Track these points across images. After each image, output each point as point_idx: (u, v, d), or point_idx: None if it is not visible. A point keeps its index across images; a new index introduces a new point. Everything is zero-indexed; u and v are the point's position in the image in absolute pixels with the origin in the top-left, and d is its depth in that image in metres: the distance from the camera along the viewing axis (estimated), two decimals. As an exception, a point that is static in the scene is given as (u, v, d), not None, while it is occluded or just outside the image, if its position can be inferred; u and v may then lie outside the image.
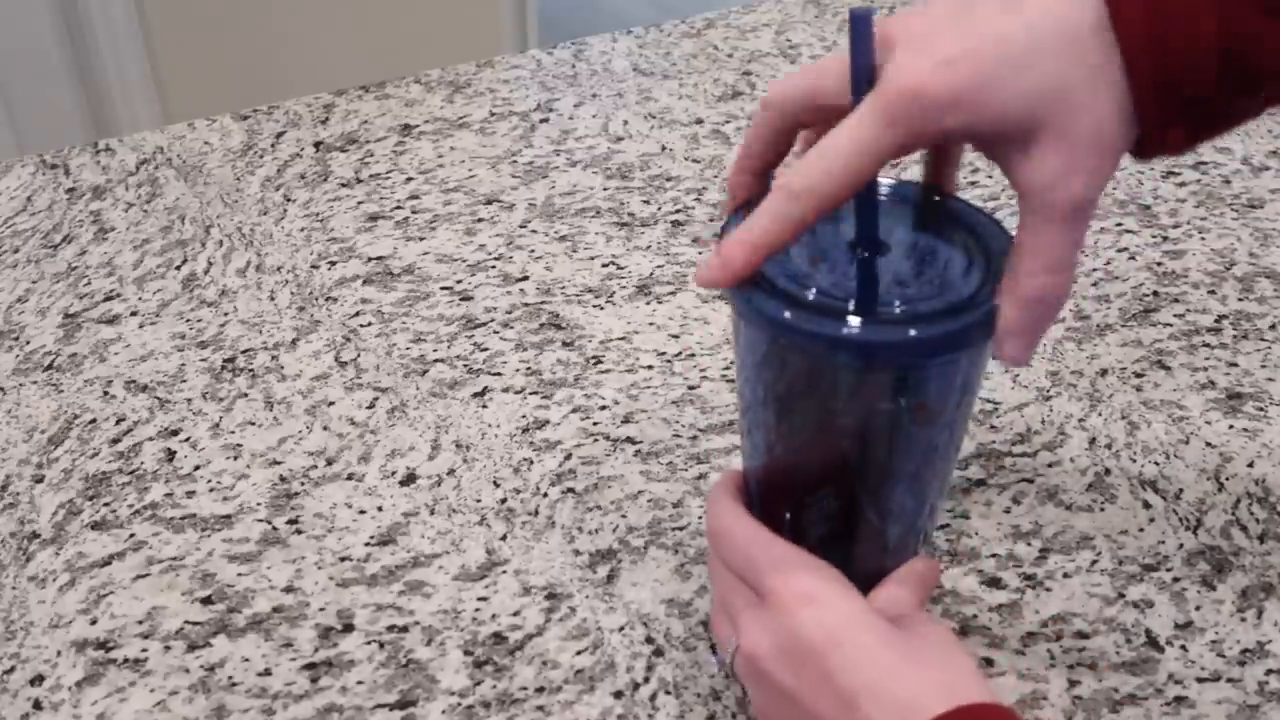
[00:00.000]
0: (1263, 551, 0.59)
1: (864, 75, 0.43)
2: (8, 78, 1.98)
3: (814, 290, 0.44)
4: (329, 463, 0.64)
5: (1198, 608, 0.56)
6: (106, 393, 0.69)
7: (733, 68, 1.00)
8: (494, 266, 0.78)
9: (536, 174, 0.87)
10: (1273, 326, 0.72)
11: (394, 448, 0.65)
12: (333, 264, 0.79)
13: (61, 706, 0.53)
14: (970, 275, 0.45)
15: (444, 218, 0.83)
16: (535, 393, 0.68)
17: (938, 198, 0.49)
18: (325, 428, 0.66)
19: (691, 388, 0.69)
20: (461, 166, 0.88)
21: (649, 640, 0.55)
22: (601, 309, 0.74)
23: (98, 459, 0.65)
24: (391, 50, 2.17)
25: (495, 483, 0.63)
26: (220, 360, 0.71)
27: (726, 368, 0.70)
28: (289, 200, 0.85)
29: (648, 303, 0.75)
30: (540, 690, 0.53)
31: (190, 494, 0.63)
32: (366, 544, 0.60)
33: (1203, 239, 0.79)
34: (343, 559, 0.59)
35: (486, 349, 0.72)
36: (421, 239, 0.81)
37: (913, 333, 0.43)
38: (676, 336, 0.72)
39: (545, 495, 0.62)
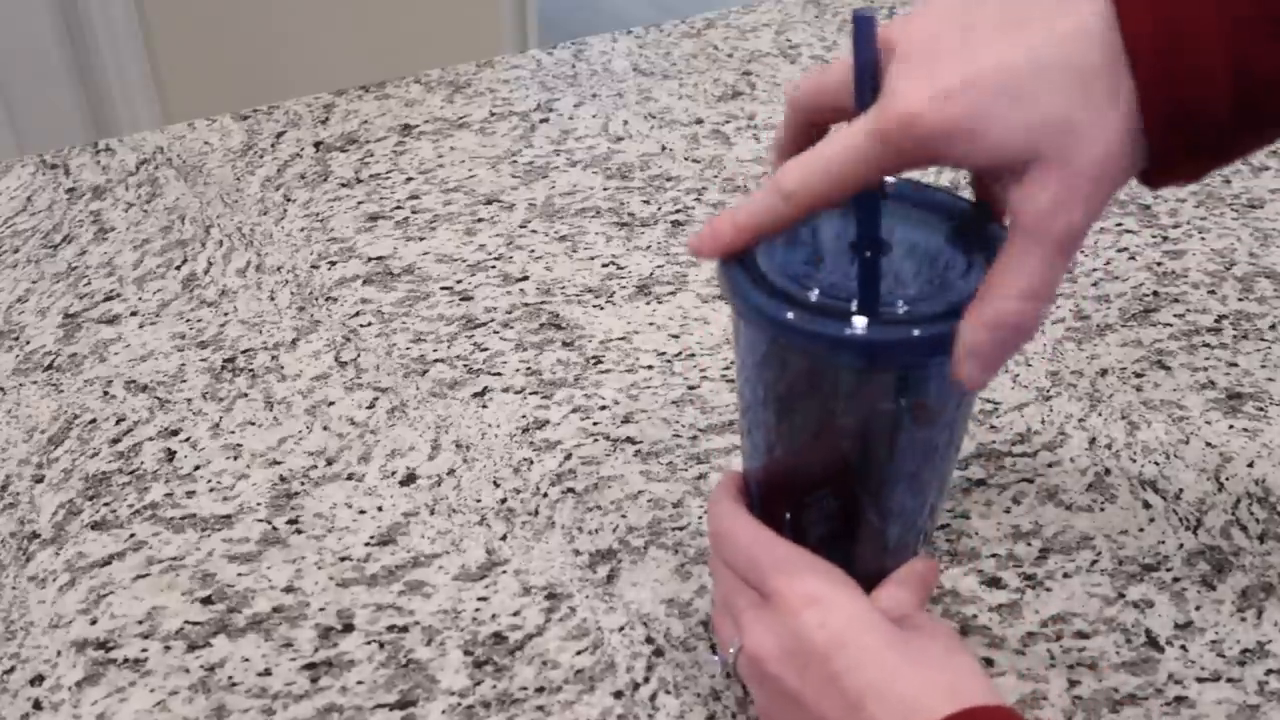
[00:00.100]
0: (1263, 551, 0.59)
1: (867, 78, 0.43)
2: (8, 78, 1.98)
3: (815, 290, 0.44)
4: (329, 463, 0.64)
5: (1198, 608, 0.56)
6: (106, 393, 0.69)
7: (733, 68, 1.00)
8: (494, 266, 0.78)
9: (536, 174, 0.87)
10: (1273, 326, 0.72)
11: (394, 448, 0.65)
12: (333, 264, 0.79)
13: (61, 706, 0.53)
14: (971, 275, 0.45)
15: (444, 218, 0.83)
16: (535, 393, 0.68)
17: (930, 195, 0.49)
18: (325, 428, 0.66)
19: (691, 388, 0.69)
20: (461, 166, 0.88)
21: (649, 640, 0.55)
22: (601, 309, 0.74)
23: (98, 459, 0.65)
24: (391, 50, 2.17)
25: (495, 483, 0.63)
26: (220, 360, 0.71)
27: (726, 368, 0.70)
28: (289, 200, 0.85)
29: (648, 303, 0.75)
30: (540, 690, 0.53)
31: (190, 494, 0.63)
32: (366, 544, 0.60)
33: (1203, 239, 0.79)
34: (343, 559, 0.59)
35: (486, 349, 0.72)
36: (421, 239, 0.81)
37: (914, 333, 0.43)
38: (676, 336, 0.72)
39: (545, 495, 0.62)
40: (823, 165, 0.42)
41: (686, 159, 0.88)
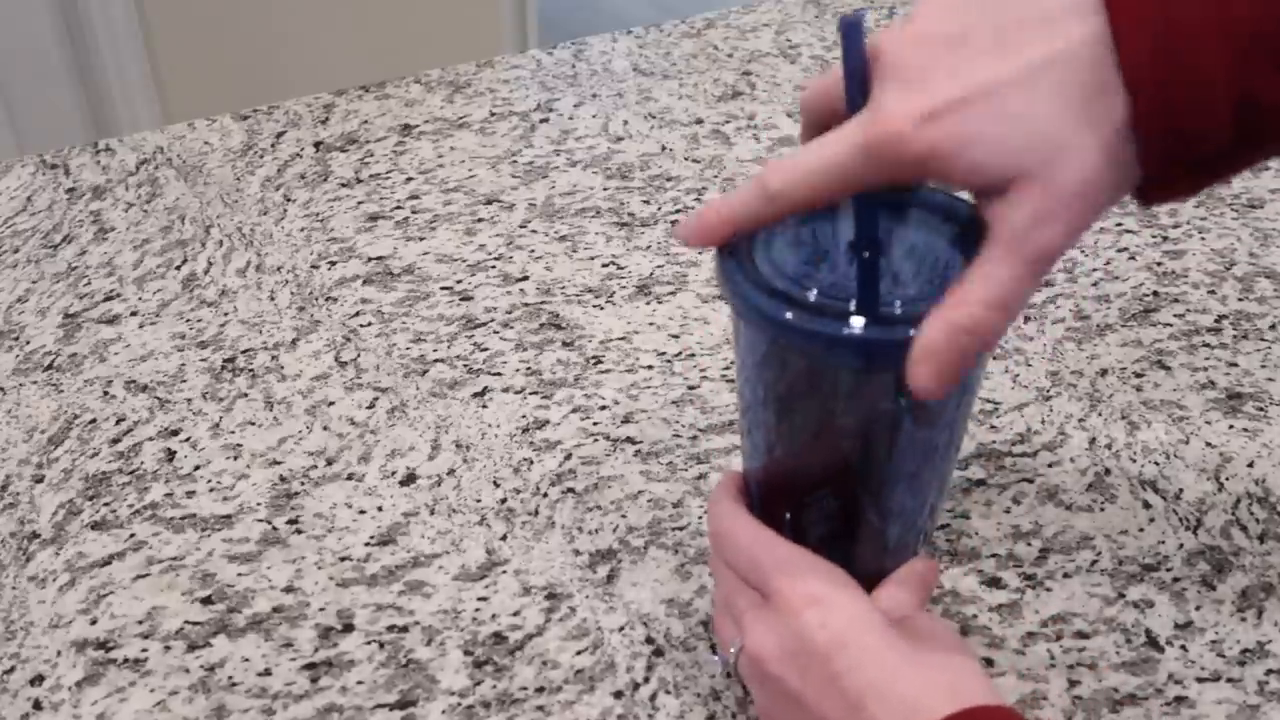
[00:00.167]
0: (1263, 551, 0.59)
1: (857, 83, 0.43)
2: (8, 78, 1.98)
3: (814, 290, 0.44)
4: (329, 463, 0.64)
5: (1198, 608, 0.56)
6: (106, 393, 0.69)
7: (733, 68, 1.00)
8: (494, 266, 0.78)
9: (536, 174, 0.87)
10: (1273, 326, 0.72)
11: (394, 448, 0.65)
12: (333, 264, 0.79)
13: (61, 706, 0.53)
14: (970, 275, 0.45)
15: (444, 218, 0.83)
16: (535, 393, 0.68)
17: (929, 195, 0.49)
18: (325, 428, 0.66)
19: (691, 388, 0.69)
20: (461, 166, 0.88)
21: (649, 640, 0.55)
22: (601, 309, 0.74)
23: (98, 459, 0.65)
24: (391, 50, 2.17)
25: (495, 483, 0.63)
26: (220, 360, 0.71)
27: (726, 368, 0.70)
28: (289, 200, 0.85)
29: (648, 303, 0.75)
30: (540, 690, 0.53)
31: (190, 494, 0.63)
32: (366, 544, 0.60)
33: (1203, 239, 0.79)
34: (343, 559, 0.59)
35: (486, 349, 0.72)
36: (421, 239, 0.81)
37: (913, 333, 0.43)
38: (676, 336, 0.72)
39: (545, 495, 0.62)
40: (807, 170, 0.43)
41: (686, 159, 0.88)
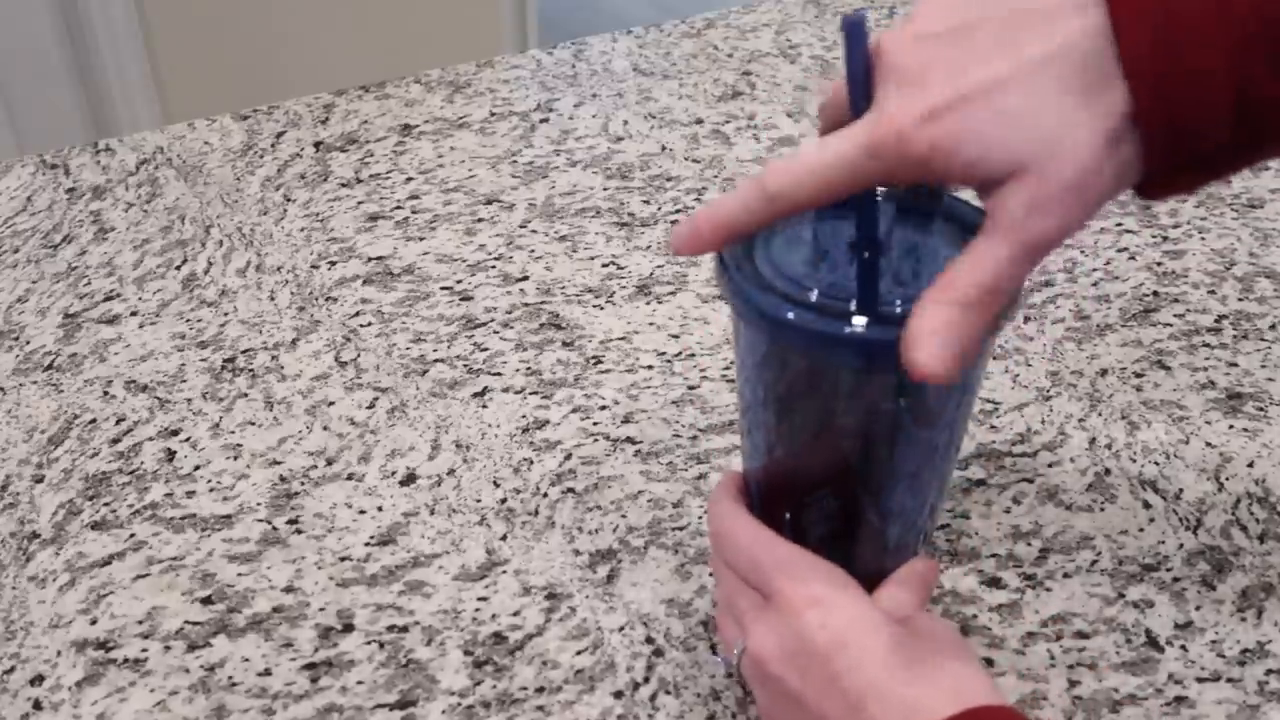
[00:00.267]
0: (1263, 551, 0.59)
1: (860, 83, 0.43)
2: (8, 78, 1.98)
3: (814, 290, 0.44)
4: (329, 463, 0.64)
5: (1198, 608, 0.56)
6: (106, 393, 0.69)
7: (733, 68, 1.00)
8: (494, 266, 0.78)
9: (536, 174, 0.87)
10: (1273, 326, 0.72)
11: (394, 448, 0.65)
12: (333, 264, 0.79)
13: (61, 706, 0.53)
14: (970, 275, 0.45)
15: (444, 218, 0.83)
16: (535, 393, 0.68)
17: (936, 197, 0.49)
18: (325, 428, 0.66)
19: (691, 388, 0.69)
20: (461, 166, 0.88)
21: (649, 640, 0.55)
22: (601, 309, 0.74)
23: (98, 459, 0.65)
24: (391, 50, 2.17)
25: (495, 483, 0.63)
26: (220, 360, 0.71)
27: (726, 368, 0.70)
28: (289, 200, 0.85)
29: (648, 303, 0.75)
30: (540, 690, 0.53)
31: (190, 494, 0.63)
32: (366, 544, 0.60)
33: (1203, 239, 0.79)
34: (343, 559, 0.59)
35: (486, 349, 0.72)
36: (421, 239, 0.81)
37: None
38: (676, 336, 0.72)
39: (545, 495, 0.62)
40: (809, 171, 0.42)
41: (686, 159, 0.88)
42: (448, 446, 0.65)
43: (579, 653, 0.54)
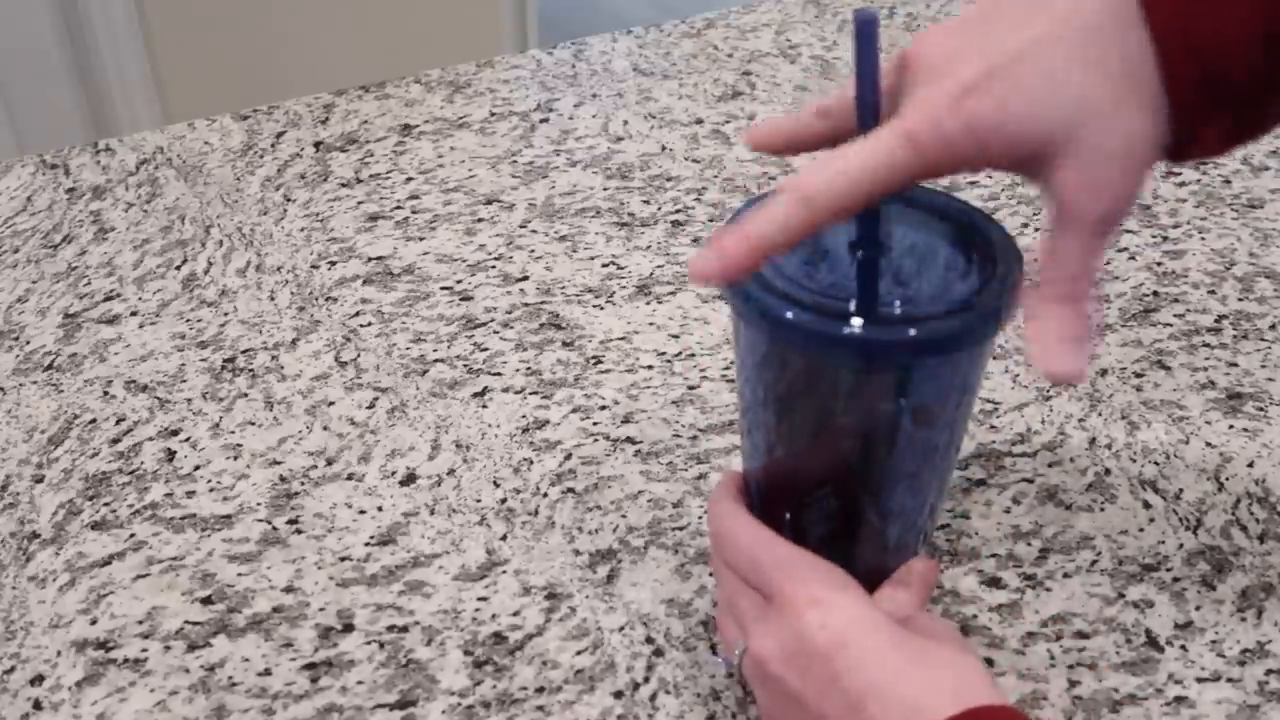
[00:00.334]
0: (1263, 551, 0.59)
1: (869, 79, 0.43)
2: (8, 78, 1.98)
3: (814, 290, 0.44)
4: (329, 463, 0.64)
5: (1198, 608, 0.56)
6: (106, 393, 0.69)
7: (733, 68, 1.00)
8: (494, 266, 0.78)
9: (536, 174, 0.87)
10: (1273, 326, 0.72)
11: (394, 448, 0.65)
12: (333, 264, 0.79)
13: (61, 706, 0.53)
14: (970, 275, 0.45)
15: (444, 218, 0.83)
16: (535, 393, 0.68)
17: (934, 197, 0.49)
18: (325, 428, 0.66)
19: (691, 388, 0.69)
20: (461, 166, 0.88)
21: (649, 640, 0.55)
22: (601, 309, 0.74)
23: (98, 459, 0.65)
24: (391, 50, 2.17)
25: (495, 483, 0.63)
26: (220, 360, 0.71)
27: (726, 368, 0.70)
28: (289, 200, 0.85)
29: (648, 303, 0.75)
30: (540, 690, 0.53)
31: (190, 494, 0.63)
32: (366, 544, 0.60)
33: (1203, 239, 0.79)
34: (343, 559, 0.59)
35: (486, 349, 0.72)
36: (421, 239, 0.81)
37: (912, 333, 0.43)
38: (676, 336, 0.72)
39: (545, 495, 0.62)
40: (847, 171, 0.41)
41: (686, 159, 0.88)
42: (448, 446, 0.65)
43: (579, 653, 0.54)
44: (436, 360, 0.71)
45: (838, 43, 1.03)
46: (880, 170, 0.41)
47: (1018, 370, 0.69)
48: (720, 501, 0.50)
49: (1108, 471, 0.63)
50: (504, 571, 0.58)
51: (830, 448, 0.48)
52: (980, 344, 0.45)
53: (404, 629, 0.56)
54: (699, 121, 0.93)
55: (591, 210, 0.83)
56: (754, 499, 0.51)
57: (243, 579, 0.58)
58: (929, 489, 0.50)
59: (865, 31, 0.42)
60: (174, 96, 2.09)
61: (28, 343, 0.73)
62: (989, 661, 0.54)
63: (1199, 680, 0.53)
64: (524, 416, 0.67)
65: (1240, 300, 0.74)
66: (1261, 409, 0.66)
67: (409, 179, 0.87)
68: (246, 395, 0.69)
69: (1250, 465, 0.63)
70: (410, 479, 0.63)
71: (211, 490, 0.63)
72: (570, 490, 0.62)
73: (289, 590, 0.57)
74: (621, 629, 0.55)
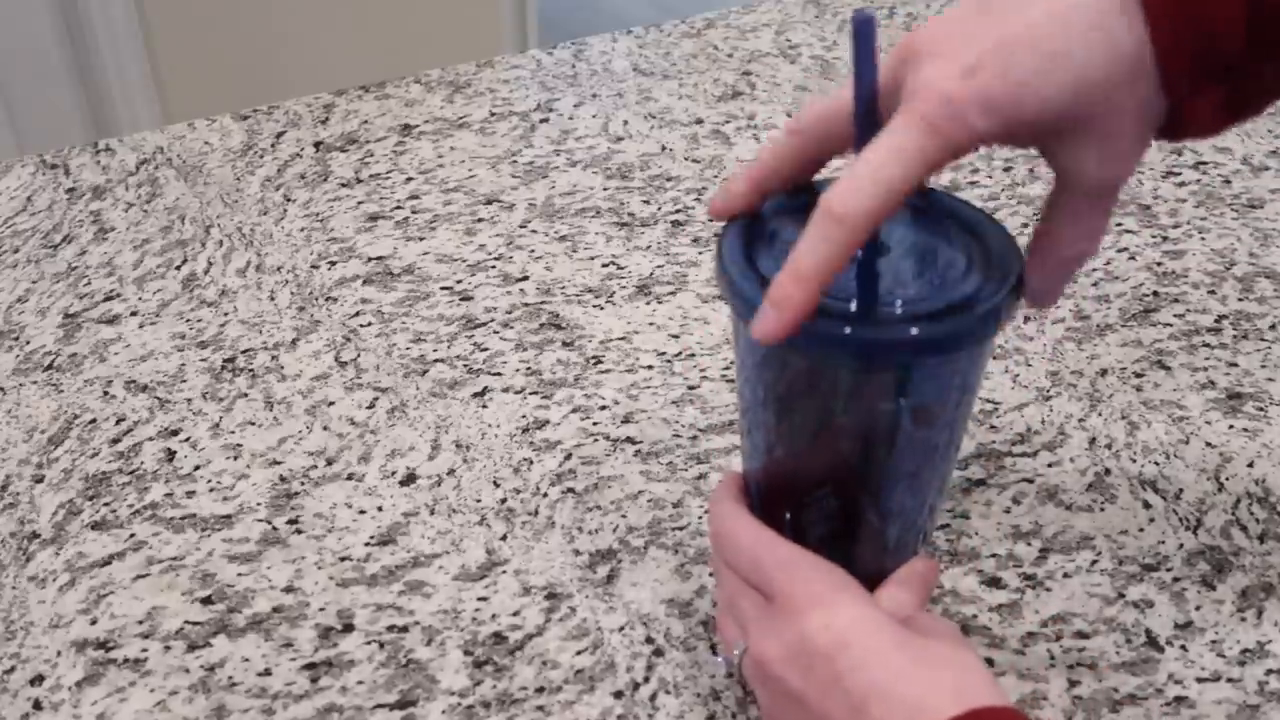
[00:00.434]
0: (1263, 551, 0.59)
1: (867, 81, 0.43)
2: (8, 78, 1.98)
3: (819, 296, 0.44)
4: (329, 463, 0.64)
5: (1198, 608, 0.56)
6: (106, 393, 0.69)
7: (733, 68, 1.00)
8: (494, 266, 0.78)
9: (536, 174, 0.87)
10: (1273, 326, 0.72)
11: (394, 448, 0.65)
12: (333, 264, 0.79)
13: (61, 706, 0.53)
14: (970, 275, 0.45)
15: (444, 218, 0.83)
16: (535, 393, 0.68)
17: (935, 198, 0.49)
18: (325, 428, 0.66)
19: (691, 388, 0.69)
20: (461, 166, 0.88)
21: (649, 640, 0.55)
22: (601, 309, 0.74)
23: (98, 459, 0.65)
24: (391, 50, 2.17)
25: (495, 483, 0.63)
26: (220, 360, 0.71)
27: (726, 368, 0.70)
28: (289, 200, 0.85)
29: (648, 303, 0.75)
30: (540, 690, 0.53)
31: (190, 494, 0.63)
32: (366, 544, 0.60)
33: (1203, 239, 0.79)
34: (343, 559, 0.59)
35: (486, 349, 0.72)
36: (421, 239, 0.81)
37: (912, 333, 0.43)
38: (676, 336, 0.72)
39: (545, 495, 0.62)
40: (870, 178, 0.41)
41: (686, 159, 0.88)
42: (448, 446, 0.65)
43: (579, 653, 0.54)
44: (436, 360, 0.71)
45: (838, 43, 1.03)
46: (903, 164, 0.41)
47: (1018, 370, 0.69)
48: (721, 502, 0.50)
49: (1108, 471, 0.63)
50: (504, 571, 0.58)
51: (830, 448, 0.48)
52: (980, 344, 0.45)
53: (404, 629, 0.56)
54: (699, 121, 0.93)
55: (591, 210, 0.83)
56: (754, 499, 0.51)
57: (243, 579, 0.58)
58: (929, 489, 0.50)
59: (863, 32, 0.42)
60: (174, 96, 2.09)
61: (28, 343, 0.73)
62: (989, 661, 0.54)
63: (1199, 680, 0.53)
64: (524, 416, 0.67)
65: (1240, 300, 0.74)
66: (1261, 409, 0.66)
67: (409, 179, 0.87)
68: (246, 395, 0.69)
69: (1250, 465, 0.63)
70: (410, 479, 0.63)
71: (211, 490, 0.63)
72: (570, 490, 0.62)
73: (289, 590, 0.58)
74: (621, 629, 0.55)
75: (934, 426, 0.47)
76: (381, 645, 0.55)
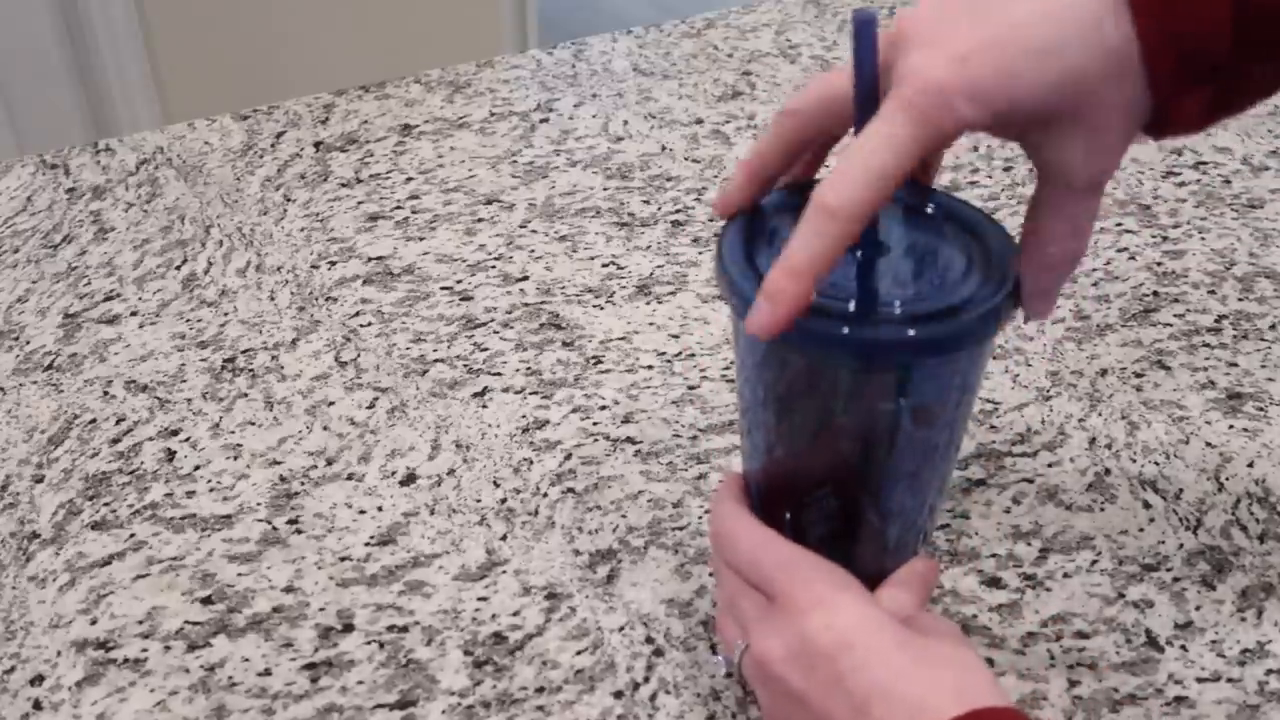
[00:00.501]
0: (1263, 551, 0.59)
1: (868, 81, 0.43)
2: (8, 78, 1.98)
3: (814, 290, 0.44)
4: (329, 463, 0.64)
5: (1198, 608, 0.56)
6: (106, 393, 0.69)
7: (733, 68, 1.00)
8: (494, 266, 0.78)
9: (536, 174, 0.87)
10: (1273, 326, 0.72)
11: (394, 448, 0.65)
12: (333, 264, 0.79)
13: (61, 706, 0.53)
14: (970, 275, 0.45)
15: (444, 218, 0.83)
16: (535, 393, 0.68)
17: (935, 199, 0.49)
18: (325, 428, 0.66)
19: (691, 388, 0.69)
20: (461, 166, 0.88)
21: (649, 640, 0.55)
22: (601, 309, 0.74)
23: (98, 459, 0.65)
24: (391, 50, 2.17)
25: (495, 483, 0.63)
26: (220, 360, 0.71)
27: (726, 368, 0.70)
28: (289, 200, 0.85)
29: (648, 303, 0.75)
30: (540, 690, 0.53)
31: (190, 494, 0.63)
32: (366, 544, 0.60)
33: (1203, 239, 0.79)
34: (343, 559, 0.59)
35: (486, 349, 0.72)
36: (421, 239, 0.81)
37: (912, 333, 0.43)
38: (676, 336, 0.72)
39: (545, 495, 0.62)
40: (860, 167, 0.41)
41: (686, 159, 0.88)
42: (448, 446, 0.65)
43: (579, 653, 0.54)
44: (436, 360, 0.71)
45: (838, 43, 1.03)
46: (893, 153, 0.41)
47: (1018, 370, 0.69)
48: (723, 502, 0.50)
49: (1108, 471, 0.63)
50: (504, 571, 0.58)
51: (830, 448, 0.48)
52: (980, 344, 0.45)
53: (404, 629, 0.56)
54: (699, 121, 0.93)
55: (591, 210, 0.83)
56: (754, 499, 0.51)
57: (243, 579, 0.58)
58: (929, 489, 0.50)
59: (863, 32, 0.42)
60: (174, 96, 2.09)
61: (28, 343, 0.73)
62: (989, 661, 0.54)
63: (1199, 680, 0.53)
64: (524, 416, 0.67)
65: (1240, 300, 0.74)
66: (1261, 409, 0.66)
67: (409, 179, 0.87)
68: (246, 395, 0.69)
69: (1250, 465, 0.63)
70: (410, 479, 0.63)
71: (211, 490, 0.63)
72: (570, 490, 0.62)
73: (289, 590, 0.58)
74: (621, 629, 0.55)
75: (934, 426, 0.47)
76: (381, 645, 0.55)
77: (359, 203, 0.85)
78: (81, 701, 0.53)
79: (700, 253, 0.79)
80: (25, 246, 0.81)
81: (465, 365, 0.70)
